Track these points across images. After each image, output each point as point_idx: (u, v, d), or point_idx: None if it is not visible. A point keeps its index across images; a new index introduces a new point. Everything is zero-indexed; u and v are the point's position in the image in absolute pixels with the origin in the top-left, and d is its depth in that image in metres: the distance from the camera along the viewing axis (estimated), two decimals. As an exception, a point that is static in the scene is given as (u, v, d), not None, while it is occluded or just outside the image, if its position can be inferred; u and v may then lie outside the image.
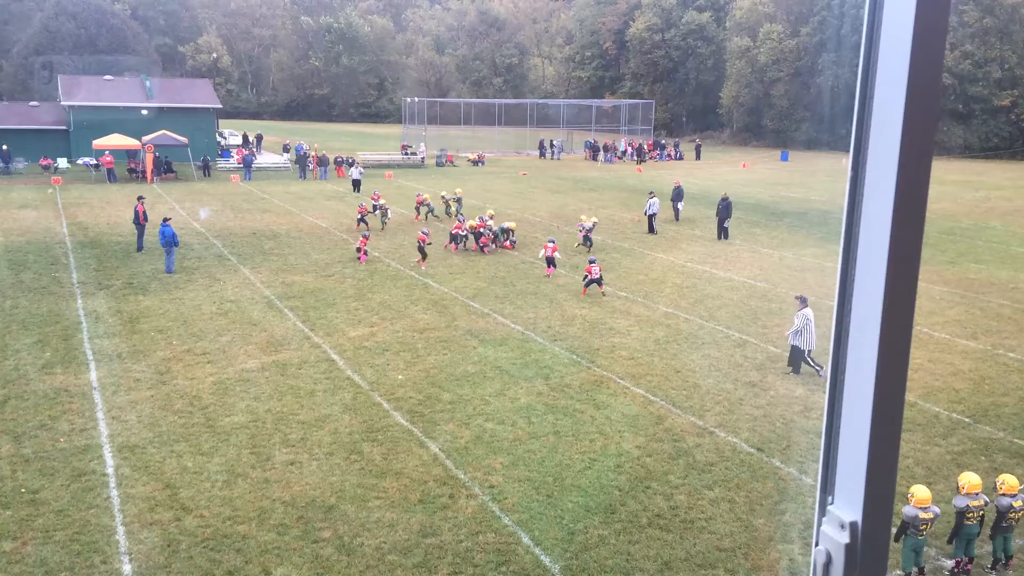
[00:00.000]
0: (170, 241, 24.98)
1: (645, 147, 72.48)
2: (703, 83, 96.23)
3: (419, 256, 26.61)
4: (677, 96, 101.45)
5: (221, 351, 17.77)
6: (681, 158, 73.06)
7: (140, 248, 27.82)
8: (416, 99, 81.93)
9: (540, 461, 12.89)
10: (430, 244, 27.32)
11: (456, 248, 28.95)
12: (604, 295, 22.96)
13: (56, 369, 16.41)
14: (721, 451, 13.37)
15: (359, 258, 26.93)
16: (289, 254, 28.12)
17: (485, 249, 28.75)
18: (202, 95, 60.86)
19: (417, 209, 35.62)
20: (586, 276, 23.37)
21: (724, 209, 32.60)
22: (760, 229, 35.32)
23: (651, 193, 34.87)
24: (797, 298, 17.24)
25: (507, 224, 30.53)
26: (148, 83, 59.62)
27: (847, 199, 1.35)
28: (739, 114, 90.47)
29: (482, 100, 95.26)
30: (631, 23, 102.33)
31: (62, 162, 52.63)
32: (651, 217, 33.71)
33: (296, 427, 13.95)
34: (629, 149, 72.71)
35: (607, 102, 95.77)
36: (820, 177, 57.64)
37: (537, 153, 73.24)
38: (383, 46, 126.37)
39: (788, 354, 17.18)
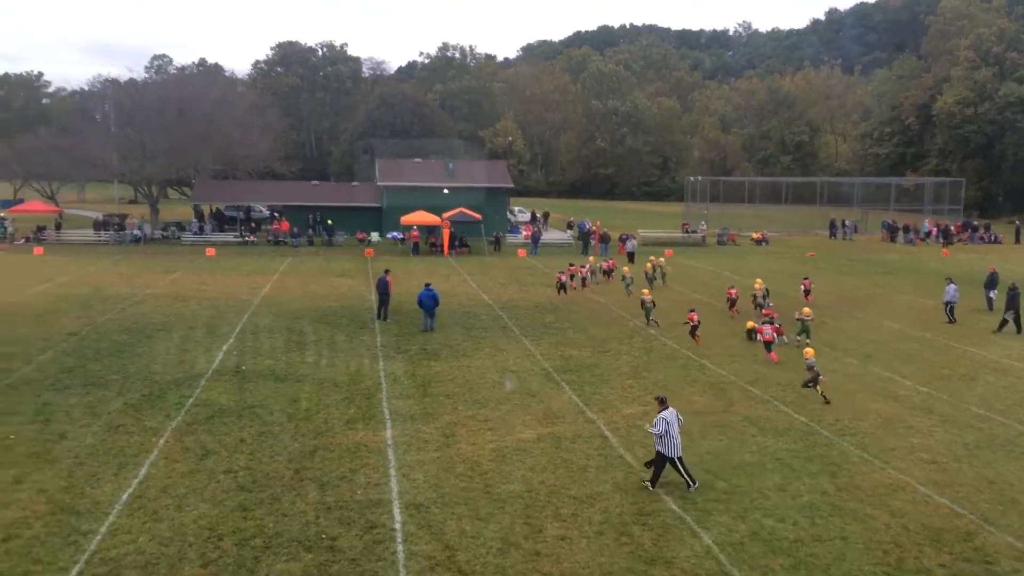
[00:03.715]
0: (430, 304, 27.71)
1: (952, 228, 66.36)
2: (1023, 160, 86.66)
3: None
4: (992, 174, 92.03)
5: (501, 419, 18.50)
6: (996, 241, 65.88)
7: (379, 316, 29.69)
8: (699, 178, 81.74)
9: (825, 568, 11.89)
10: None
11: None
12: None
13: (358, 425, 17.98)
14: (1047, 582, 11.52)
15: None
16: (568, 328, 28.86)
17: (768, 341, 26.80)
18: (497, 175, 65.19)
19: (731, 302, 31.74)
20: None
21: (1012, 298, 29.38)
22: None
23: (948, 279, 31.85)
24: (656, 399, 15.18)
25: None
26: (451, 165, 65.09)
27: None
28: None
29: (768, 178, 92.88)
30: (938, 97, 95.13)
31: (374, 236, 58.68)
32: (947, 305, 30.92)
33: (568, 502, 14.06)
34: (934, 230, 66.95)
35: (908, 180, 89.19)
36: None
37: (827, 233, 69.67)
38: (668, 127, 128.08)
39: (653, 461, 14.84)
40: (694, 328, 26.79)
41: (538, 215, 72.80)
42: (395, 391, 20.67)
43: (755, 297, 31.76)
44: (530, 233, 58.06)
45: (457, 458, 16.01)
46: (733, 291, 31.86)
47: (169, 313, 30.34)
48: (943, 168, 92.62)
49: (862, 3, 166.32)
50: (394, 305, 30.46)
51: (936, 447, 17.04)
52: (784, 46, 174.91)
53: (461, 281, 40.29)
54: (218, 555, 12.00)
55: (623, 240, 54.76)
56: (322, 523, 13.10)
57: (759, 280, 33.43)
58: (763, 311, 28.66)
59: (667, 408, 14.67)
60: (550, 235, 64.08)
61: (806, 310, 27.27)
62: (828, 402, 19.91)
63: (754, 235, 64.24)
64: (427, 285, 28.59)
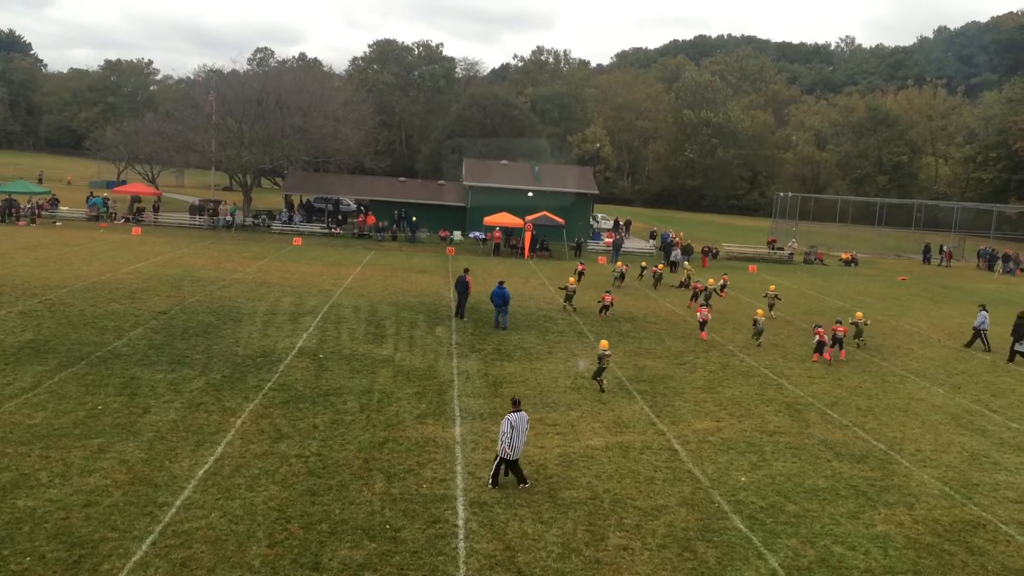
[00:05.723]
0: (499, 302, 28.47)
1: (1057, 260, 63.26)
2: None
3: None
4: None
5: (570, 425, 18.42)
6: (1104, 276, 62.49)
7: (456, 314, 29.93)
8: (789, 194, 79.92)
9: (894, 602, 11.46)
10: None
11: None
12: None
13: (428, 420, 18.17)
14: None
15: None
16: (643, 338, 28.57)
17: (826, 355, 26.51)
18: (582, 181, 65.01)
19: (695, 295, 35.56)
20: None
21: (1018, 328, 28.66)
22: None
23: (981, 306, 31.05)
24: (512, 399, 14.94)
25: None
26: (537, 168, 65.22)
27: None
28: None
29: (862, 198, 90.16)
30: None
31: (456, 234, 59.21)
32: (978, 332, 30.24)
33: (632, 512, 13.92)
34: (1036, 261, 63.93)
35: (1013, 207, 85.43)
36: None
37: (920, 257, 67.26)
38: (761, 140, 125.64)
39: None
40: (604, 307, 31.28)
41: (620, 223, 72.35)
42: (467, 389, 20.81)
43: (767, 296, 34.97)
44: (612, 240, 57.76)
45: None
46: (699, 285, 35.79)
47: (254, 298, 31.24)
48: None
49: (973, 23, 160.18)
50: (472, 304, 30.68)
51: (1023, 486, 16.24)
52: (888, 63, 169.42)
53: (540, 284, 40.33)
54: (285, 536, 12.28)
55: (705, 253, 54.02)
56: (387, 514, 13.28)
57: (711, 280, 37.09)
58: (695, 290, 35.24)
59: (518, 411, 14.65)
60: (631, 244, 63.56)
61: (859, 314, 29.38)
62: (603, 391, 21.06)
63: (843, 255, 62.47)
64: (500, 283, 29.05)
